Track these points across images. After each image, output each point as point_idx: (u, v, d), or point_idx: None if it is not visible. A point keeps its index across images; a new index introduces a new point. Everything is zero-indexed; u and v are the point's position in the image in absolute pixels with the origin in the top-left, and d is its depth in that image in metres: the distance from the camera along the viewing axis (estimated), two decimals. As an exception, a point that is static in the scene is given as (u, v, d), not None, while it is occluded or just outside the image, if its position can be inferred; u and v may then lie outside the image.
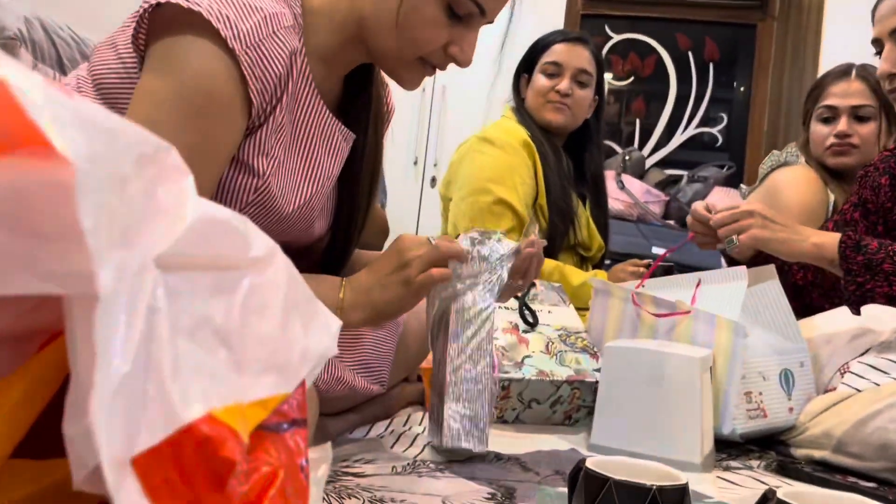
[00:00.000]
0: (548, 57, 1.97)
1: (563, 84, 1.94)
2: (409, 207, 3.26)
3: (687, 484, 0.65)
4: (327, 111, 0.95)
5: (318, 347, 0.46)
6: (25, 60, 1.05)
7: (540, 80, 1.97)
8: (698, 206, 1.35)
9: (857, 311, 1.15)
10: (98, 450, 0.27)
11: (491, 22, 0.94)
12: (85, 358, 0.30)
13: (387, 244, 2.16)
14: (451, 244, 0.92)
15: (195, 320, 0.35)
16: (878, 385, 1.12)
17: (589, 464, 0.66)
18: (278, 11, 0.83)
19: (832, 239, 1.16)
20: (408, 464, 0.97)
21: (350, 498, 0.81)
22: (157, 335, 0.31)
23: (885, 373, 1.14)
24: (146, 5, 0.80)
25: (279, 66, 0.83)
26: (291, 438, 0.43)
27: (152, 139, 0.32)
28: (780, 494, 0.62)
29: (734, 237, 1.24)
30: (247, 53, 0.79)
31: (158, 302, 0.32)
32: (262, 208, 0.89)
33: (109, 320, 0.27)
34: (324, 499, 0.80)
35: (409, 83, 0.96)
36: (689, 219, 1.37)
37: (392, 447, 1.05)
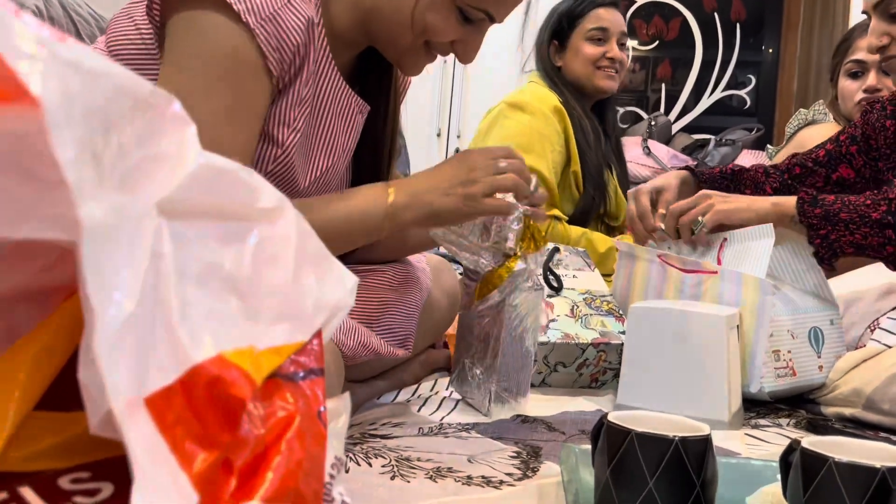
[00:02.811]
0: (591, 23, 1.94)
1: (616, 50, 1.92)
2: (433, 180, 3.27)
3: (710, 435, 0.64)
4: (344, 83, 0.96)
5: (331, 298, 0.46)
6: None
7: (587, 47, 1.93)
8: (643, 195, 1.30)
9: (831, 266, 1.14)
10: (104, 385, 0.27)
11: (501, 22, 0.95)
12: (88, 297, 0.31)
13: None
14: (518, 180, 0.94)
15: (203, 267, 0.35)
16: (911, 340, 1.10)
17: (611, 418, 0.66)
18: None
19: (791, 199, 1.14)
20: (434, 426, 0.97)
21: (377, 458, 0.82)
22: (164, 279, 0.32)
23: (918, 328, 1.12)
24: None
25: (296, 36, 0.83)
26: (308, 387, 0.43)
27: (147, 86, 0.32)
28: (804, 443, 0.61)
29: (699, 218, 1.22)
30: (262, 27, 0.80)
31: (164, 247, 0.32)
32: (280, 179, 0.90)
33: (106, 259, 0.28)
34: (350, 458, 0.81)
35: (414, 69, 0.97)
36: (629, 209, 1.33)
37: (419, 411, 1.05)
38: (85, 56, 0.28)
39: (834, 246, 1.10)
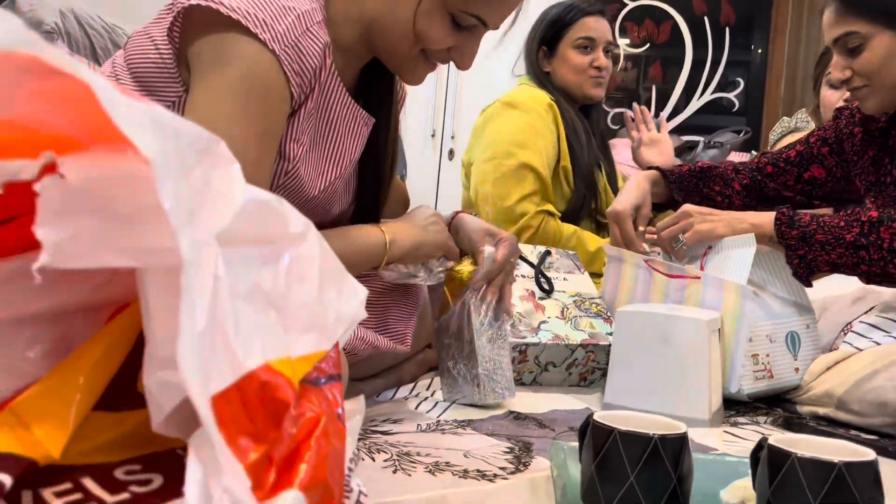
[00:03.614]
0: (579, 32, 1.99)
1: (602, 59, 1.98)
2: (427, 179, 3.31)
3: (686, 433, 0.71)
4: (350, 99, 1.01)
5: (349, 311, 0.52)
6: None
7: (575, 56, 1.98)
8: (625, 221, 1.38)
9: (807, 283, 1.21)
10: (188, 388, 0.33)
11: (496, 29, 1.00)
12: (160, 317, 0.37)
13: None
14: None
15: (249, 287, 0.41)
16: (879, 344, 1.16)
17: (596, 417, 0.72)
18: (309, 8, 0.89)
19: (768, 218, 1.21)
20: (432, 423, 1.03)
21: (379, 452, 0.88)
22: (221, 298, 0.37)
23: (887, 332, 1.19)
24: (182, 5, 0.85)
25: (315, 61, 0.89)
26: (329, 391, 0.49)
27: (205, 134, 0.38)
28: (770, 440, 0.67)
29: (680, 236, 1.29)
30: (286, 53, 0.85)
31: (220, 271, 0.38)
32: (289, 191, 0.95)
33: (190, 284, 0.33)
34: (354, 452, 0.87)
35: (414, 78, 1.02)
36: (613, 234, 1.41)
37: (416, 408, 1.11)
38: (165, 116, 0.34)
39: (811, 265, 1.16)
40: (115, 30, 1.21)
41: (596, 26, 1.98)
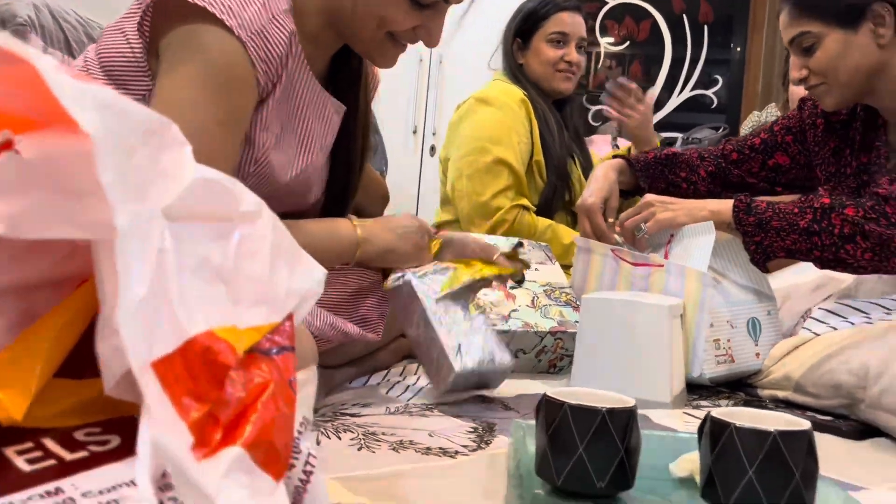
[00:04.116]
0: (552, 27, 2.02)
1: (574, 54, 2.01)
2: (409, 176, 3.34)
3: (634, 407, 0.74)
4: (320, 87, 1.03)
5: (301, 287, 0.54)
6: (36, 45, 1.14)
7: (547, 49, 2.02)
8: (595, 215, 1.42)
9: (764, 269, 1.24)
10: (127, 353, 0.36)
11: (459, 2, 1.01)
12: (111, 286, 0.40)
13: (387, 211, 2.24)
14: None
15: (197, 260, 0.44)
16: (836, 329, 1.20)
17: (549, 393, 0.75)
18: None
19: (727, 205, 1.25)
20: (401, 406, 1.06)
21: (346, 432, 0.91)
22: (167, 270, 0.40)
23: (843, 317, 1.23)
24: None
25: (281, 49, 0.91)
26: (281, 360, 0.52)
27: (155, 116, 0.41)
28: (712, 413, 0.71)
29: (641, 225, 1.33)
30: (252, 40, 0.87)
31: (166, 244, 0.40)
32: (260, 178, 0.98)
33: (128, 255, 0.36)
34: (322, 432, 0.90)
35: (384, 61, 1.03)
36: (583, 227, 1.45)
37: (388, 393, 1.14)
38: (112, 97, 0.37)
39: (767, 251, 1.20)
40: (89, 23, 1.23)
41: (570, 21, 2.02)
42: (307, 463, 0.50)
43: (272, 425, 0.46)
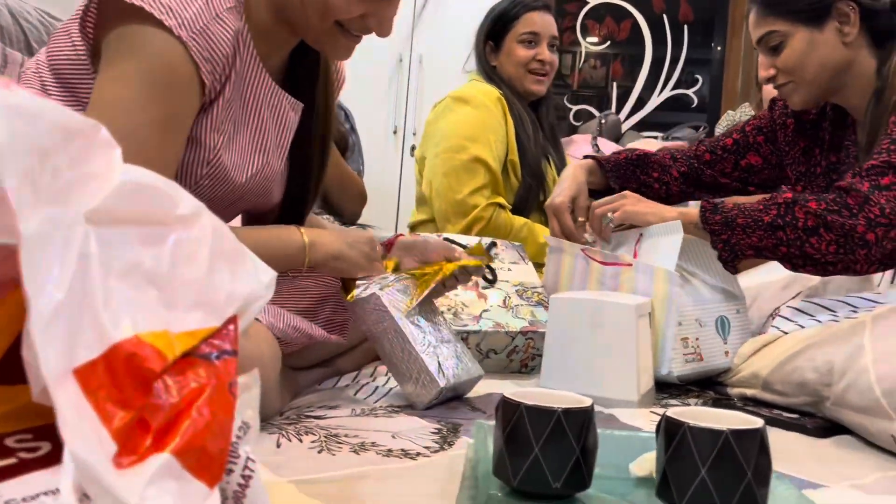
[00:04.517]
0: (523, 27, 2.03)
1: (546, 53, 2.01)
2: (389, 176, 3.33)
3: (591, 406, 0.74)
4: (274, 84, 1.01)
5: (243, 290, 0.54)
6: (-5, 46, 1.12)
7: (519, 50, 2.02)
8: (563, 214, 1.43)
9: (733, 269, 1.25)
10: (39, 360, 0.35)
11: None
12: (26, 290, 0.39)
13: (367, 211, 2.24)
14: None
15: (126, 265, 0.43)
16: (803, 327, 1.21)
17: (507, 394, 0.75)
18: None
19: (694, 209, 1.25)
20: (367, 408, 1.06)
21: (308, 435, 0.90)
22: (90, 275, 0.40)
23: (811, 315, 1.23)
24: None
25: (226, 48, 0.89)
26: (221, 365, 0.51)
27: (78, 119, 0.40)
28: (668, 413, 0.71)
29: (609, 214, 1.34)
30: (194, 39, 0.85)
31: (90, 248, 0.40)
32: (215, 180, 0.97)
33: (39, 260, 0.36)
34: (283, 436, 0.89)
35: (336, 52, 1.01)
36: (552, 226, 1.45)
37: (355, 394, 1.14)
38: (25, 99, 0.36)
39: (735, 249, 1.20)
40: (52, 23, 1.22)
41: (540, 21, 2.02)
42: (246, 468, 0.49)
43: (206, 431, 0.45)
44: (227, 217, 1.13)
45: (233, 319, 0.54)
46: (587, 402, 0.75)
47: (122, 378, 0.40)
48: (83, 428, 0.37)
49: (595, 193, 1.52)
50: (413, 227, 2.14)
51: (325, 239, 1.03)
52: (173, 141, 0.88)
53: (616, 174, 1.54)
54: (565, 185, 1.48)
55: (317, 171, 1.13)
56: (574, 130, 3.62)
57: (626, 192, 1.36)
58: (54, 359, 0.37)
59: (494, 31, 2.06)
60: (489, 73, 2.05)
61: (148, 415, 0.43)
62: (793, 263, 1.19)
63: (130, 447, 0.41)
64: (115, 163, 0.44)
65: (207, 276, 0.51)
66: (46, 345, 0.36)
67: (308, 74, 1.09)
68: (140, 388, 0.41)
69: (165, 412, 0.44)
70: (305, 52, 1.07)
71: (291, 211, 1.13)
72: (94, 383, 0.39)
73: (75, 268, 0.38)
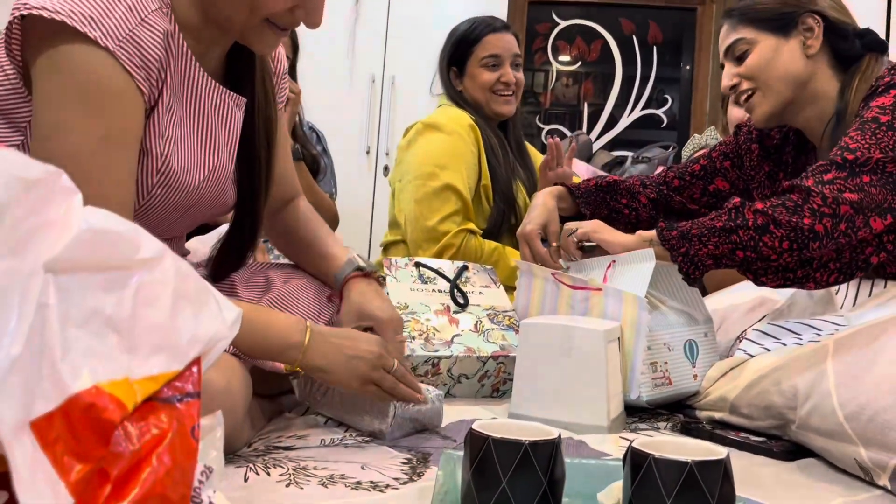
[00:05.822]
0: (483, 51, 2.04)
1: (509, 74, 2.03)
2: (362, 197, 3.33)
3: (558, 437, 0.74)
4: (212, 81, 1.00)
5: (207, 331, 0.54)
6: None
7: (483, 74, 2.04)
8: (534, 241, 1.46)
9: (694, 283, 1.26)
10: (-6, 414, 0.35)
11: None
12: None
13: (340, 231, 2.23)
14: (414, 394, 1.05)
15: (85, 312, 0.43)
16: (769, 350, 1.22)
17: (475, 426, 0.75)
18: None
19: (652, 231, 1.27)
20: (336, 438, 1.05)
21: (276, 468, 0.90)
22: (49, 325, 0.39)
23: (777, 338, 1.25)
24: (12, 17, 0.84)
25: (157, 51, 0.87)
26: (184, 408, 0.51)
27: (39, 168, 0.40)
28: (634, 444, 0.72)
29: (575, 229, 1.37)
30: (122, 48, 0.83)
31: (49, 299, 0.40)
32: (168, 188, 0.95)
33: (-2, 314, 0.35)
34: (251, 469, 0.89)
35: (262, 47, 0.99)
36: (523, 253, 1.48)
37: (325, 423, 1.13)
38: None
39: (694, 260, 1.21)
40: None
41: (500, 43, 2.04)
42: (208, 513, 0.49)
43: (167, 478, 0.45)
44: (187, 227, 1.12)
45: (196, 361, 0.54)
46: (554, 434, 0.75)
47: (80, 429, 0.40)
48: (38, 483, 0.37)
49: (566, 220, 1.54)
50: (385, 248, 2.14)
51: (322, 347, 0.99)
52: (122, 157, 0.86)
53: (586, 200, 1.56)
54: (535, 212, 1.49)
55: (265, 165, 1.11)
56: (545, 150, 3.65)
57: (595, 221, 1.38)
58: (10, 413, 0.36)
59: (456, 57, 2.07)
60: (456, 98, 2.07)
61: (107, 464, 0.42)
62: (753, 271, 1.19)
63: (88, 499, 0.40)
64: (74, 209, 0.44)
65: (170, 319, 0.50)
66: (2, 400, 0.36)
67: (247, 69, 1.08)
68: (99, 438, 0.40)
69: (126, 460, 0.44)
70: (242, 48, 1.05)
71: (245, 210, 1.11)
72: (52, 436, 0.38)
73: (33, 319, 0.38)
